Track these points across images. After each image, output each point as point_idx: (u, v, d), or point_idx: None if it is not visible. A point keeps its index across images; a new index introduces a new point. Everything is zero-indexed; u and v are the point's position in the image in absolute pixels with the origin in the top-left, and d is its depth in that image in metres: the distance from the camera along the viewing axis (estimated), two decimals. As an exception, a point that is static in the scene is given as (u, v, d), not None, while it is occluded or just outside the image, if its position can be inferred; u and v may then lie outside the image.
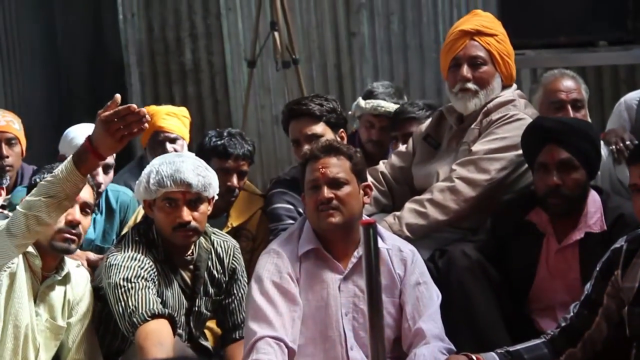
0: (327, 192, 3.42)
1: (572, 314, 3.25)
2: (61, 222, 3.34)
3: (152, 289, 3.36)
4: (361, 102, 4.82)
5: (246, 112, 6.15)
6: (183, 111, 4.96)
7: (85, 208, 3.42)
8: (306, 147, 3.75)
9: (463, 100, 4.01)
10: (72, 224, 3.37)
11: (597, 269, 3.22)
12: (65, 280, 3.47)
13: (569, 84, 4.33)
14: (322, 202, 3.41)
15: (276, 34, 5.85)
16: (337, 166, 3.46)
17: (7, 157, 4.47)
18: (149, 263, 3.43)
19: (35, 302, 3.38)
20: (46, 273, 3.41)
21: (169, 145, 4.76)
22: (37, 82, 6.85)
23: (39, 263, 3.37)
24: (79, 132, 4.18)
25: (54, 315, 3.44)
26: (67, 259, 3.49)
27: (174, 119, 4.83)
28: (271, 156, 6.79)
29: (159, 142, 4.78)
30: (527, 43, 4.58)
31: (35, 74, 6.84)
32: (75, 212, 3.37)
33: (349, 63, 6.65)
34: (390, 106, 4.74)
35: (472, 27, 4.04)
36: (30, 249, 3.33)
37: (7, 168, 4.30)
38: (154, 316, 3.27)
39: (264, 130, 6.82)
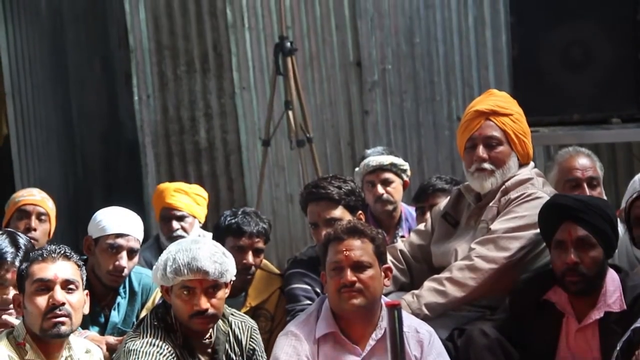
0: (350, 275, 3.43)
1: None
2: (42, 308, 3.30)
3: None
4: (356, 169, 4.92)
5: (261, 190, 6.18)
6: (195, 189, 4.97)
7: (67, 285, 3.35)
8: (328, 229, 3.77)
9: (480, 179, 4.03)
10: (54, 307, 3.31)
11: (618, 348, 3.21)
12: None
13: (585, 162, 4.35)
14: (345, 285, 3.43)
15: (290, 112, 5.92)
16: (360, 249, 3.48)
17: (35, 229, 4.47)
18: (167, 348, 3.42)
19: None
20: None
21: (175, 223, 4.77)
22: (53, 162, 6.91)
23: None
24: (107, 215, 4.20)
25: None
26: (74, 345, 3.44)
27: (183, 196, 4.84)
28: (286, 235, 6.80)
29: (166, 219, 4.80)
30: (540, 121, 4.60)
31: (51, 154, 6.90)
32: (55, 294, 3.32)
33: (362, 141, 6.68)
34: (382, 158, 4.84)
35: (487, 108, 4.07)
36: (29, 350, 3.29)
37: (33, 241, 4.32)
38: None
39: (279, 208, 6.84)
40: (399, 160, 4.99)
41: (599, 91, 5.35)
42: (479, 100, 4.22)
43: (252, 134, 6.86)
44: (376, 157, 4.95)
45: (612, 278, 3.61)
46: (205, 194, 5.00)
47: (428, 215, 4.46)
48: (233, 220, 4.21)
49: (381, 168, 4.90)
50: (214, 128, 6.93)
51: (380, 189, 4.90)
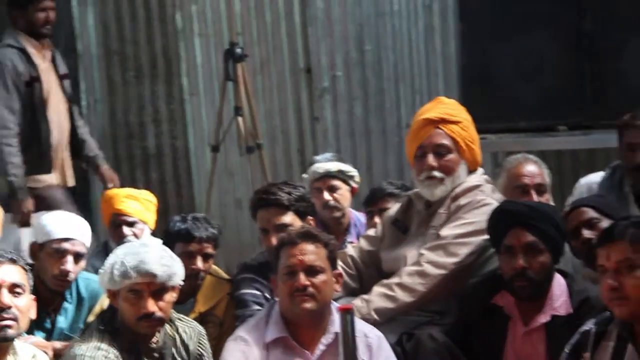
0: (303, 279, 3.44)
1: None
2: None
3: None
4: (304, 175, 4.94)
5: (210, 196, 6.16)
6: (145, 194, 4.94)
7: (13, 289, 3.29)
8: (278, 235, 3.77)
9: (430, 187, 4.07)
10: (1, 310, 3.23)
11: (566, 351, 3.23)
12: None
13: (533, 169, 4.42)
14: (298, 289, 3.43)
15: (240, 119, 5.91)
16: (314, 253, 3.49)
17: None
18: (114, 352, 3.40)
19: None
20: None
21: (126, 229, 4.74)
22: None
23: None
24: (52, 220, 4.16)
25: None
26: (20, 350, 3.37)
27: (133, 202, 4.81)
28: (234, 241, 6.77)
29: (116, 225, 4.76)
30: (488, 128, 4.65)
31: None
32: (2, 297, 3.24)
33: (312, 147, 6.69)
34: (329, 165, 4.88)
35: (436, 116, 4.10)
36: None
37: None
38: None
39: (227, 214, 6.81)
40: (346, 167, 5.01)
41: (545, 99, 5.42)
42: (428, 107, 4.25)
43: (201, 140, 6.83)
44: (323, 164, 4.96)
45: (558, 282, 3.65)
46: (154, 200, 4.97)
47: (378, 220, 4.48)
48: (182, 226, 4.20)
49: (328, 175, 4.93)
50: (163, 134, 6.88)
51: (326, 195, 4.92)
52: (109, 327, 3.49)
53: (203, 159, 6.81)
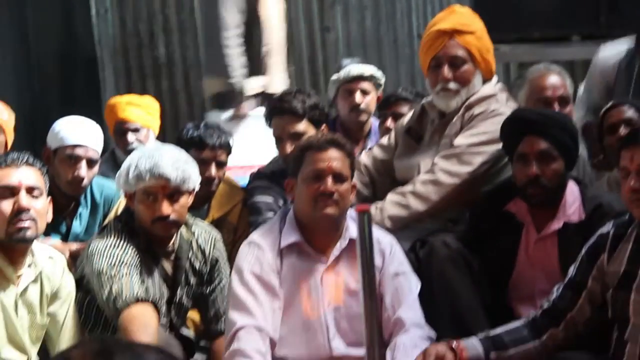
0: (331, 185, 3.45)
1: (554, 296, 3.30)
2: (7, 213, 3.29)
3: (135, 275, 3.37)
4: (334, 77, 4.93)
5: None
6: (147, 100, 4.94)
7: (31, 192, 3.34)
8: (293, 142, 3.80)
9: (445, 99, 4.05)
10: (20, 211, 3.30)
11: (583, 252, 3.27)
12: (40, 277, 3.43)
13: (556, 81, 4.31)
14: (324, 193, 3.44)
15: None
16: (341, 161, 3.50)
17: None
18: (132, 250, 3.45)
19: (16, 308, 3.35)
20: (19, 271, 3.36)
21: (130, 136, 4.75)
22: (8, 78, 6.81)
23: (9, 269, 3.33)
24: (65, 126, 4.17)
25: (34, 312, 3.41)
26: (37, 252, 3.44)
27: (135, 108, 4.81)
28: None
29: (120, 133, 4.78)
30: (501, 37, 4.61)
31: (6, 69, 6.80)
32: (20, 199, 3.30)
33: (322, 58, 6.66)
34: (364, 68, 4.87)
35: (450, 27, 4.06)
36: None
37: None
38: (138, 301, 3.29)
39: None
40: (378, 73, 5.02)
41: (559, 9, 5.36)
42: (441, 17, 4.19)
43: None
44: (357, 66, 4.98)
45: (571, 190, 3.66)
46: (156, 105, 4.96)
47: (390, 124, 4.49)
48: (195, 133, 4.19)
49: (361, 77, 4.94)
50: (173, 43, 6.85)
51: (358, 97, 4.93)
52: (127, 227, 3.54)
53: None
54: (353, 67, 4.98)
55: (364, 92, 4.94)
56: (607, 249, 3.20)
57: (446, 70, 4.02)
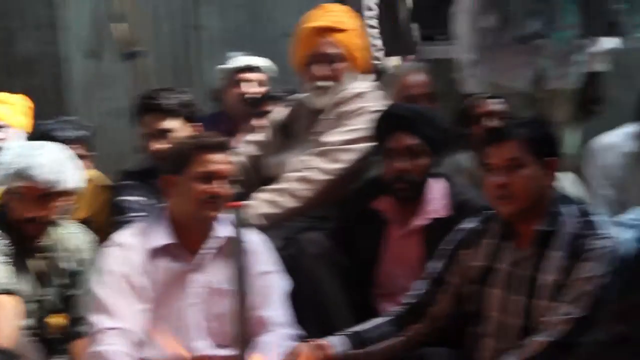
0: (220, 187, 3.44)
1: (417, 291, 3.35)
2: None
3: (5, 266, 3.36)
4: (221, 67, 4.92)
5: (86, 104, 6.04)
6: (13, 98, 4.84)
7: None
8: (163, 140, 3.82)
9: (318, 96, 4.11)
10: None
11: (444, 247, 3.33)
12: None
13: (420, 78, 4.46)
14: (213, 195, 3.42)
15: (119, 25, 5.77)
16: (229, 163, 3.50)
17: None
18: (3, 241, 3.44)
19: None
20: None
21: None
22: None
23: None
24: None
25: None
26: None
27: (1, 105, 4.72)
28: (112, 149, 6.66)
29: None
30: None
31: None
32: None
33: (195, 55, 6.61)
34: (256, 59, 4.96)
35: (324, 24, 4.12)
36: None
37: None
38: (4, 292, 3.28)
39: (105, 123, 6.69)
40: (268, 64, 5.14)
41: (425, 9, 5.44)
42: (315, 15, 4.24)
43: (77, 46, 6.66)
44: (250, 57, 5.07)
45: (438, 185, 3.72)
46: (25, 102, 4.86)
47: (258, 122, 4.49)
48: (47, 127, 4.19)
49: (252, 68, 5.02)
50: (37, 40, 6.69)
51: (248, 87, 4.98)
52: (3, 219, 3.52)
53: (80, 66, 6.65)
54: (247, 58, 5.00)
55: (254, 83, 4.94)
56: (468, 244, 3.27)
57: (319, 68, 4.06)
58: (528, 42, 4.42)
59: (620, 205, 4.15)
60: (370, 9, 5.11)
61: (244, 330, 2.82)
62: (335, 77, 4.08)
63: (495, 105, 4.12)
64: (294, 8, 6.46)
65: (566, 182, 3.81)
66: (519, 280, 3.14)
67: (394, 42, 5.12)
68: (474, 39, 4.51)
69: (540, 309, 3.08)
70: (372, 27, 5.08)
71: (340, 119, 4.05)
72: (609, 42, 4.62)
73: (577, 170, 4.32)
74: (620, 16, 4.47)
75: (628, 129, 4.31)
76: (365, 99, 4.09)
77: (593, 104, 4.66)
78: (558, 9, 4.40)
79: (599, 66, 4.66)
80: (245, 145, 4.35)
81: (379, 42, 5.02)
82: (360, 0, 5.04)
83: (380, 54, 5.06)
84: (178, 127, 4.05)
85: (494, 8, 4.44)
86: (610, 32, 4.50)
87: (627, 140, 4.27)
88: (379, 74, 4.96)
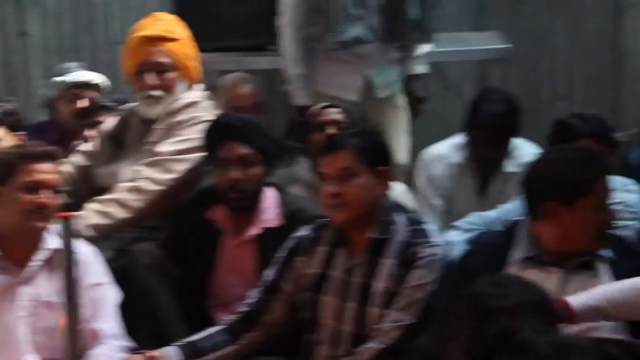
0: (47, 197, 3.37)
1: (251, 300, 3.37)
2: None
3: None
4: (57, 79, 4.82)
5: None
6: None
7: None
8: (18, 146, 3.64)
9: (149, 105, 4.08)
10: None
11: (279, 255, 3.36)
12: None
13: (248, 89, 4.60)
14: (39, 206, 3.35)
15: None
16: (55, 172, 3.43)
17: None
18: None
19: None
20: None
21: None
22: None
23: None
24: None
25: None
26: None
27: None
28: None
29: None
30: (201, 46, 4.66)
31: None
32: None
33: (20, 63, 6.44)
34: (91, 75, 4.82)
35: (154, 33, 4.09)
36: None
37: None
38: None
39: None
40: (104, 81, 5.03)
41: (257, 19, 5.48)
42: (145, 24, 4.21)
43: None
44: (87, 72, 4.96)
45: (270, 195, 3.75)
46: None
47: (89, 133, 4.44)
48: None
49: (86, 85, 4.90)
50: None
51: (85, 102, 4.86)
52: None
53: None
54: (87, 74, 4.94)
55: (90, 99, 4.87)
56: (303, 252, 3.32)
57: (150, 77, 4.04)
58: (348, 48, 4.49)
59: (448, 215, 4.29)
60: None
61: (74, 344, 2.77)
62: (166, 87, 4.06)
63: (334, 114, 4.18)
64: (122, 16, 6.42)
65: (397, 192, 3.90)
66: (352, 288, 3.21)
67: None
68: (299, 51, 4.56)
69: (373, 316, 3.15)
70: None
71: (172, 129, 4.03)
72: (426, 47, 4.77)
73: (408, 180, 4.44)
74: (420, 23, 4.58)
75: (455, 140, 4.47)
76: (197, 108, 4.08)
77: (418, 104, 4.79)
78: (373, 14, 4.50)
79: (418, 68, 4.79)
80: (75, 156, 4.28)
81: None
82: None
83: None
84: (1, 136, 3.96)
85: (317, 17, 4.51)
86: (411, 37, 4.62)
87: (454, 151, 4.42)
88: None
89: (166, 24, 4.18)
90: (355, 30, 4.47)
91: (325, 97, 4.48)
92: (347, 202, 3.17)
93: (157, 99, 4.05)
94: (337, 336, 3.21)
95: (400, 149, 4.57)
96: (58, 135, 4.75)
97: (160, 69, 4.06)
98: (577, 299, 2.83)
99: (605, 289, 2.90)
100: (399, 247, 3.18)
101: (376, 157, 3.24)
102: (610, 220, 3.07)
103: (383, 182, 3.24)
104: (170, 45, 4.09)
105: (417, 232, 3.21)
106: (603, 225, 3.05)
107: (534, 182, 3.13)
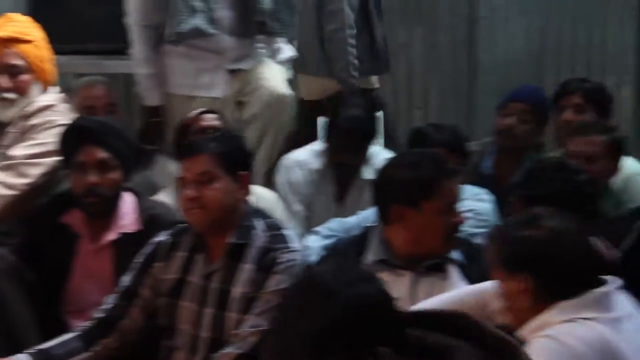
0: None
1: (107, 305, 3.33)
2: None
3: None
4: None
5: None
6: None
7: None
8: None
9: (2, 108, 4.01)
10: None
11: (137, 260, 3.34)
12: None
13: (101, 91, 4.62)
14: None
15: None
16: None
17: None
18: None
19: None
20: None
21: None
22: None
23: None
24: None
25: None
26: None
27: None
28: None
29: None
30: (57, 49, 4.58)
31: None
32: None
33: None
34: None
35: (7, 35, 4.03)
36: None
37: None
38: None
39: None
40: None
41: (115, 23, 5.41)
42: (-3, 25, 4.12)
43: None
44: None
45: (128, 200, 3.72)
46: None
47: None
48: None
49: None
50: None
51: None
52: None
53: None
54: None
55: None
56: (161, 257, 3.30)
57: (3, 79, 3.99)
58: (185, 40, 4.45)
59: (308, 221, 4.33)
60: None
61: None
62: (20, 89, 4.01)
63: (212, 120, 4.16)
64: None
65: (258, 197, 3.91)
66: (210, 294, 3.20)
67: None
68: (146, 51, 4.55)
69: (231, 321, 3.16)
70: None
71: (27, 132, 3.97)
72: (288, 50, 4.80)
73: (269, 185, 4.46)
74: (268, 17, 4.56)
75: (315, 146, 4.51)
76: (52, 112, 4.03)
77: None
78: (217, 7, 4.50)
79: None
80: None
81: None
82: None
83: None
84: None
85: (160, 13, 4.49)
86: (261, 32, 4.62)
87: (314, 157, 4.47)
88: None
89: (19, 25, 4.12)
90: (193, 22, 4.45)
91: (181, 97, 4.48)
92: (206, 206, 3.16)
93: (11, 101, 3.99)
94: (195, 342, 3.20)
95: (263, 153, 4.57)
96: None
97: (14, 71, 4.01)
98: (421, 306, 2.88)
99: (448, 296, 2.96)
100: (258, 253, 3.19)
101: (235, 161, 3.24)
102: (458, 223, 3.15)
103: (243, 186, 3.25)
104: (23, 47, 4.04)
105: (276, 238, 3.22)
106: (451, 228, 3.13)
107: (381, 187, 3.20)
